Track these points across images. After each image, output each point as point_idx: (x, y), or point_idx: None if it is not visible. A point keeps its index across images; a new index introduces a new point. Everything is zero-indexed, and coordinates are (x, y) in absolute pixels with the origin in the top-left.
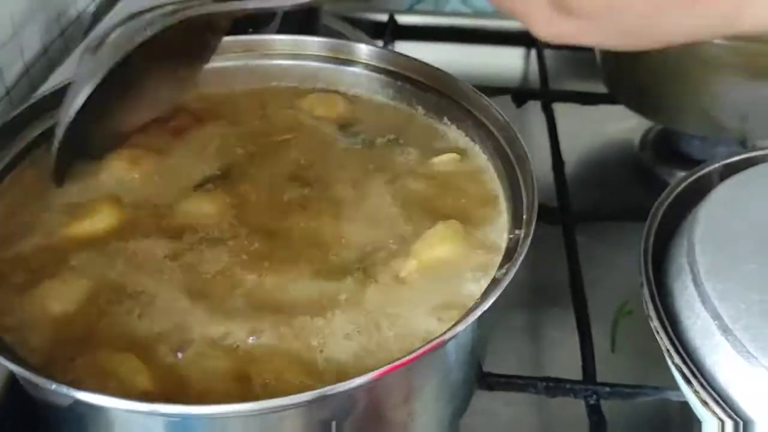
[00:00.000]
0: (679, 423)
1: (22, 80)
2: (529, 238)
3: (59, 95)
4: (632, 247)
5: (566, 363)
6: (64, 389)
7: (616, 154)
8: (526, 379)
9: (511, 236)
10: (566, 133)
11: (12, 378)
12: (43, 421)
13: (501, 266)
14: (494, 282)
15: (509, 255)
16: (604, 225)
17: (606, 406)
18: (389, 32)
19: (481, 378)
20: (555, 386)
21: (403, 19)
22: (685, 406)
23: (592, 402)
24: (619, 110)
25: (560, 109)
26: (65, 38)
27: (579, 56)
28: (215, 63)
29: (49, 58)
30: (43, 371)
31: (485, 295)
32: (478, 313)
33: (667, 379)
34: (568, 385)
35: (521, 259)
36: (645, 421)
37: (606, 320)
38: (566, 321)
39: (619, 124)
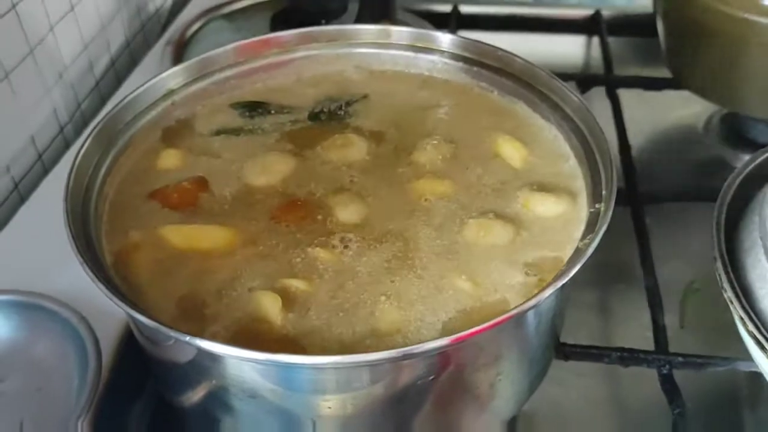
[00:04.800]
0: (748, 394)
1: (108, 73)
2: (610, 211)
3: None
4: (698, 228)
5: (636, 338)
6: (197, 341)
7: (681, 139)
8: (601, 350)
9: (591, 210)
10: (630, 119)
11: (128, 332)
12: (154, 374)
13: (583, 237)
14: (578, 251)
15: (590, 228)
16: (670, 207)
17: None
18: (453, 22)
19: (558, 348)
20: (629, 356)
21: (466, 9)
22: (755, 376)
23: (665, 371)
24: (682, 95)
25: (623, 94)
26: (145, 33)
27: (642, 42)
28: (303, 52)
29: (131, 52)
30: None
31: (570, 262)
32: (565, 279)
33: (736, 351)
34: (641, 355)
35: (603, 229)
36: (715, 394)
37: (673, 299)
38: (635, 298)
39: (683, 110)
